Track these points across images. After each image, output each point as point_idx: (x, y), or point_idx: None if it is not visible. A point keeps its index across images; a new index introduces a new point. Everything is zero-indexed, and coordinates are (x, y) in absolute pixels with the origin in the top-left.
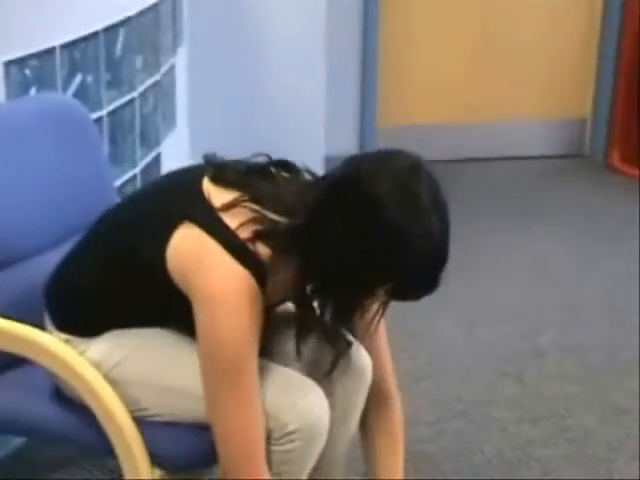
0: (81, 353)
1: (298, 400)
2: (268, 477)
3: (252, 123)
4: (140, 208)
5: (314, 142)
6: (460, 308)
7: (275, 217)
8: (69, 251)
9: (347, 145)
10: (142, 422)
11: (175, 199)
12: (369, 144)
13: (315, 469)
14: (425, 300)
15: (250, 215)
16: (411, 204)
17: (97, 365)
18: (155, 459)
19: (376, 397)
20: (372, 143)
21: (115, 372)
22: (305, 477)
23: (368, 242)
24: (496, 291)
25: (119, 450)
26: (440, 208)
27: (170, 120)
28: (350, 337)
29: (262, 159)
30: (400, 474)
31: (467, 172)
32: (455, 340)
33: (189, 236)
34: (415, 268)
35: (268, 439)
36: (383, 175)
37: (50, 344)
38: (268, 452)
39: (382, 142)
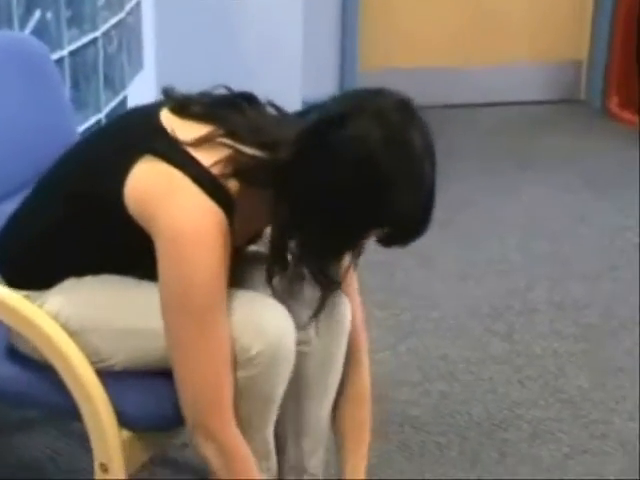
0: (39, 307)
1: (260, 321)
2: (234, 426)
3: (225, 65)
4: (94, 149)
5: (291, 86)
6: (446, 262)
7: (253, 152)
8: (21, 202)
9: (327, 89)
10: (108, 381)
11: (133, 134)
12: (350, 88)
13: (298, 434)
14: (409, 254)
15: (225, 151)
16: (404, 151)
17: (55, 317)
18: (122, 419)
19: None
20: (353, 87)
21: (72, 322)
22: (276, 406)
23: (356, 186)
24: (484, 245)
25: (83, 408)
26: (431, 152)
27: (136, 61)
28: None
29: (222, 91)
30: (365, 444)
31: (454, 119)
32: (441, 296)
33: (152, 169)
34: (405, 215)
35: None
36: (372, 117)
37: (7, 297)
38: (234, 379)
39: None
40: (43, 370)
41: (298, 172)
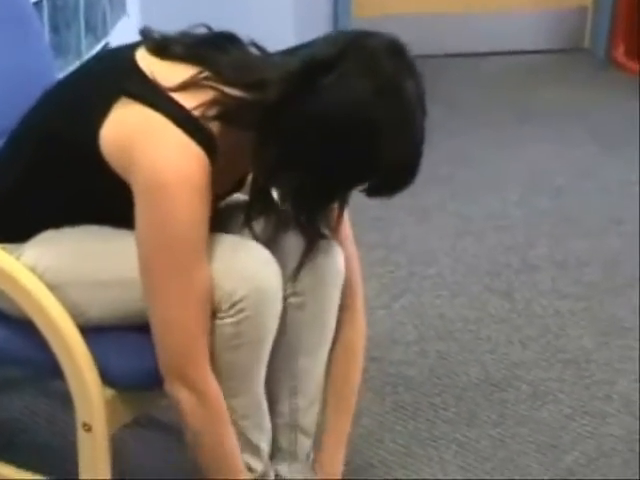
0: (17, 259)
1: (243, 265)
2: (212, 376)
3: (212, 12)
4: (68, 91)
5: (283, 33)
6: (444, 218)
7: (238, 93)
8: None
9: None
10: (90, 338)
11: (107, 76)
12: None
13: (292, 391)
14: (406, 210)
15: (209, 93)
16: (395, 99)
17: (32, 269)
18: (105, 377)
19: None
20: None
21: (49, 275)
22: (265, 355)
23: (343, 132)
24: (483, 201)
25: (64, 365)
26: (422, 99)
27: (119, 7)
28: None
29: (202, 31)
30: (349, 401)
31: (453, 68)
32: (439, 253)
33: (129, 111)
34: (393, 164)
35: (215, 313)
36: (363, 61)
37: None
38: (219, 326)
39: None
40: (21, 326)
41: (285, 114)
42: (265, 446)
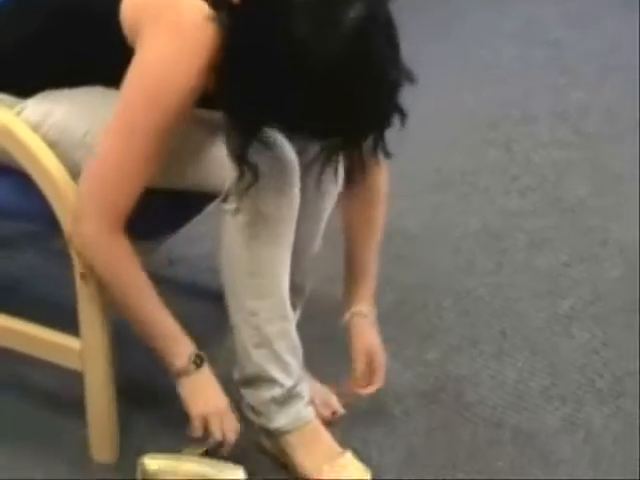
0: (17, 114)
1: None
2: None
3: None
4: None
5: None
6: (442, 71)
7: None
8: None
9: None
10: None
11: None
12: None
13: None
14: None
15: None
16: (326, 21)
17: (35, 127)
18: None
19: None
20: None
21: (53, 133)
22: (286, 250)
23: (273, 49)
24: (482, 52)
25: (62, 218)
26: (369, 28)
27: None
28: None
29: None
30: (375, 239)
31: None
32: (437, 105)
33: None
34: (313, 105)
35: (228, 196)
36: None
37: None
38: (232, 212)
39: None
40: (20, 180)
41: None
42: (293, 360)
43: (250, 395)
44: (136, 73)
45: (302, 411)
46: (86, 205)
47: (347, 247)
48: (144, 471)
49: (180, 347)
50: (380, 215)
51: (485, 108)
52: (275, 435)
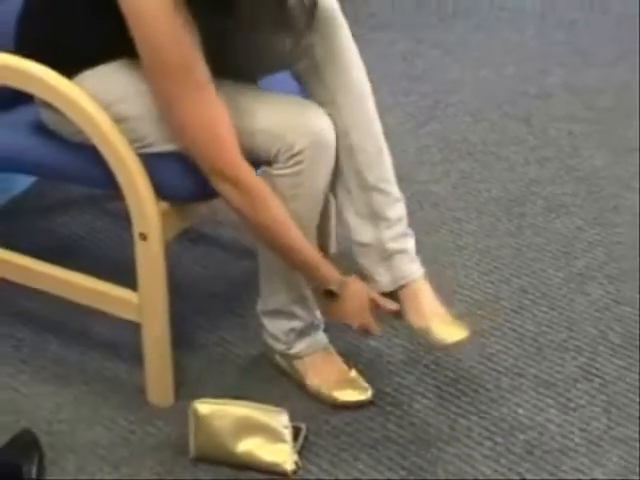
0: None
1: (303, 120)
2: (245, 164)
3: None
4: None
5: None
6: (466, 50)
7: None
8: None
9: None
10: (146, 156)
11: None
12: None
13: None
14: (430, 43)
15: None
16: None
17: (98, 100)
18: (159, 191)
19: None
20: None
21: (115, 108)
22: (321, 205)
23: None
24: (502, 33)
25: (122, 180)
26: None
27: None
28: None
29: None
30: None
31: None
32: (461, 82)
33: None
34: None
35: (272, 164)
36: None
37: (58, 83)
38: (278, 177)
39: None
40: (80, 149)
41: None
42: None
43: (272, 325)
44: (143, 61)
45: (317, 339)
46: (206, 169)
47: None
48: (196, 414)
49: (323, 274)
50: None
51: (506, 84)
52: (291, 358)
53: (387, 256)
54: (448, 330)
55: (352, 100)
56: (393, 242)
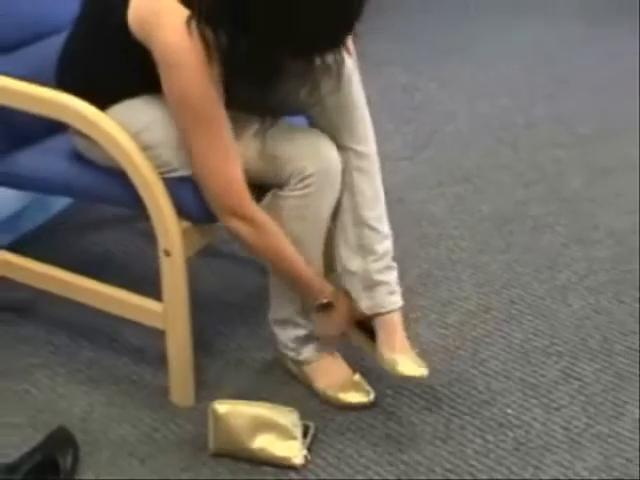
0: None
1: (315, 147)
2: (253, 202)
3: None
4: None
5: None
6: (460, 84)
7: None
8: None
9: None
10: (169, 180)
11: None
12: None
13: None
14: (429, 77)
15: None
16: None
17: (130, 133)
18: (181, 211)
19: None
20: None
21: (142, 137)
22: (324, 228)
23: None
24: (493, 68)
25: (147, 202)
26: None
27: None
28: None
29: None
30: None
31: None
32: (456, 112)
33: None
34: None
35: (283, 186)
36: None
37: (87, 112)
38: (286, 198)
39: None
40: (110, 173)
41: None
42: None
43: (281, 333)
44: (169, 101)
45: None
46: (217, 208)
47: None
48: (215, 413)
49: (318, 288)
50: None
51: (496, 115)
52: (301, 363)
53: (371, 285)
54: (412, 367)
55: (356, 146)
56: (378, 274)
